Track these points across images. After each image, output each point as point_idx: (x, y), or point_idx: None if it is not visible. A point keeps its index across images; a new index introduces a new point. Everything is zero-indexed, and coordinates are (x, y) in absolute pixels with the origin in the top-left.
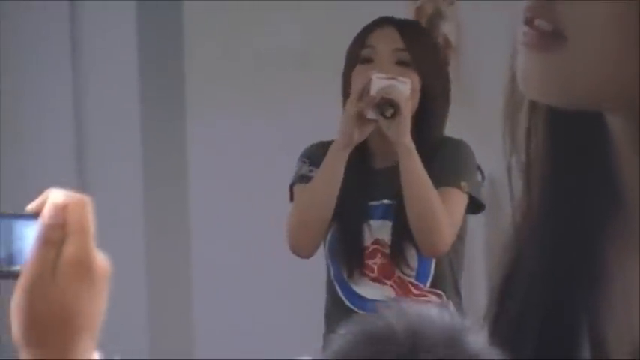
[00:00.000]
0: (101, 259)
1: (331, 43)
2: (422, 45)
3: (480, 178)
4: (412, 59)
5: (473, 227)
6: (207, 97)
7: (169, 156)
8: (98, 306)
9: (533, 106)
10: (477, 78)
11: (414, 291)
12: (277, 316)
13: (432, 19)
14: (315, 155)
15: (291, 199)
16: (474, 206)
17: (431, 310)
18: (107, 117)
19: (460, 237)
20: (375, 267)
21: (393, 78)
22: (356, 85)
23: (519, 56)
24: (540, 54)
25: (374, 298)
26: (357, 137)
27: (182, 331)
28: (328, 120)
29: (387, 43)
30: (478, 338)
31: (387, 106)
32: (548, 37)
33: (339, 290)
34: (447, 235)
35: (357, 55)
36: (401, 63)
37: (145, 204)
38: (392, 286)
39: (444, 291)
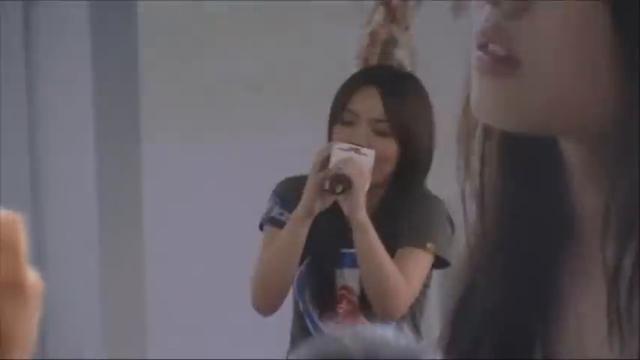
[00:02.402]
0: (33, 278)
1: (283, 70)
2: (406, 113)
3: (450, 232)
4: (392, 130)
5: None
6: (162, 122)
7: (124, 181)
8: (31, 325)
9: (487, 131)
10: (432, 103)
11: None
12: (236, 330)
13: (386, 45)
14: (288, 196)
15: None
16: (442, 262)
17: (386, 333)
18: (61, 142)
19: (425, 286)
20: (341, 312)
21: (355, 149)
22: (317, 156)
23: (473, 81)
24: (494, 79)
25: None
26: (319, 207)
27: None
28: (281, 146)
29: (367, 111)
30: None
31: (337, 182)
32: (502, 61)
33: (307, 322)
34: (401, 303)
35: (338, 115)
36: (379, 132)
37: (99, 229)
38: None
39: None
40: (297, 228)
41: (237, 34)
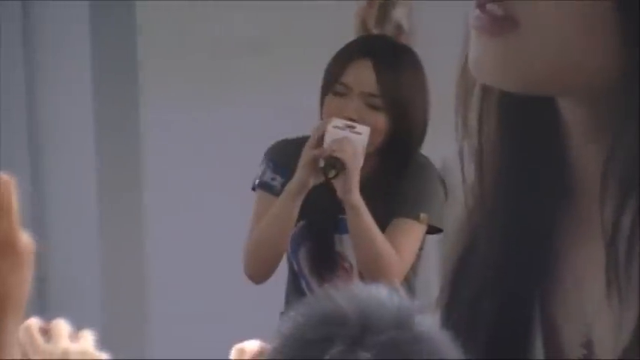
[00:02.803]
0: (25, 240)
1: (286, 30)
2: (399, 87)
3: (442, 200)
4: (384, 106)
5: None
6: (161, 86)
7: (123, 146)
8: (23, 285)
9: (485, 90)
10: (431, 63)
11: None
12: (235, 315)
13: (384, 5)
14: (281, 160)
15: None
16: (436, 228)
17: (380, 292)
18: (60, 108)
19: (419, 247)
20: (336, 278)
21: (350, 127)
22: (313, 132)
23: (471, 40)
24: (492, 38)
25: None
26: (313, 182)
27: (136, 331)
28: (284, 108)
29: (360, 85)
30: (427, 320)
31: (330, 166)
32: (500, 21)
33: (302, 283)
34: (394, 277)
35: (331, 86)
36: (371, 106)
37: (98, 194)
38: None
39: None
40: (291, 201)
41: None
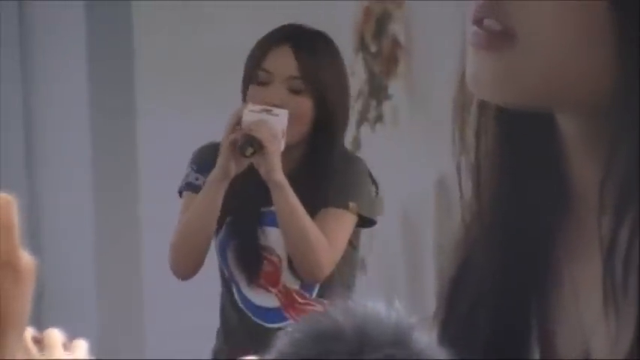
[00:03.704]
0: (27, 259)
1: None
2: (319, 69)
3: (374, 191)
4: (307, 87)
5: (422, 227)
6: (157, 93)
7: (119, 153)
8: (25, 304)
9: (483, 105)
10: (427, 78)
11: (299, 300)
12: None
13: (381, 20)
14: (203, 161)
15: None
16: (367, 221)
17: (378, 309)
18: (56, 115)
19: (352, 245)
20: (261, 274)
21: (266, 110)
22: (229, 118)
23: (468, 56)
24: (489, 54)
25: (261, 304)
26: (235, 169)
27: (133, 334)
28: None
29: (281, 69)
30: (424, 336)
31: (247, 145)
32: (498, 36)
33: (233, 289)
34: (324, 264)
35: (253, 75)
36: (294, 90)
37: (95, 203)
38: (277, 294)
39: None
40: (213, 190)
41: (233, 5)
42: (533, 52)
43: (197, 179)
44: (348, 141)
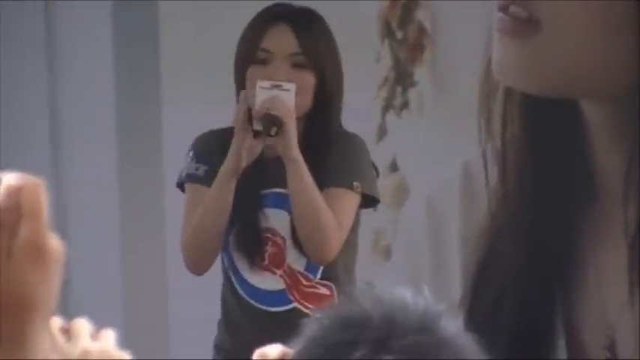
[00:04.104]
0: (55, 243)
1: None
2: (318, 45)
3: (374, 173)
4: (308, 62)
5: (448, 213)
6: (183, 83)
7: (144, 143)
8: (52, 289)
9: (509, 93)
10: (453, 64)
11: (304, 282)
12: None
13: (407, 6)
14: (202, 149)
15: (182, 189)
16: (370, 200)
17: (405, 296)
18: (82, 105)
19: (353, 229)
20: (266, 255)
21: (277, 86)
22: (238, 106)
23: (494, 43)
24: (515, 40)
25: (264, 287)
26: (246, 160)
27: (157, 317)
28: None
29: (282, 47)
30: (452, 323)
31: (271, 125)
32: (523, 23)
33: (232, 277)
34: (334, 244)
35: (251, 56)
36: (296, 65)
37: (120, 192)
38: (281, 276)
39: (335, 282)
40: (225, 184)
41: None
42: (558, 40)
43: (197, 169)
44: (373, 128)
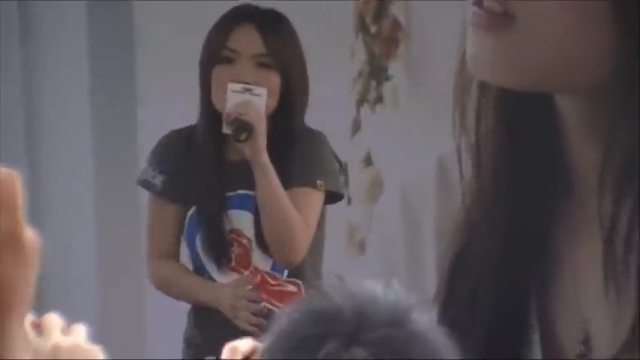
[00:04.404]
0: (31, 235)
1: None
2: (284, 46)
3: (337, 167)
4: (273, 62)
5: (422, 208)
6: (158, 81)
7: (120, 140)
8: (28, 281)
9: (483, 87)
10: (427, 59)
11: (271, 281)
12: None
13: (381, 1)
14: (161, 154)
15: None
16: (334, 196)
17: (376, 289)
18: (57, 102)
19: (318, 225)
20: (233, 256)
21: (248, 90)
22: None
23: (468, 37)
24: (490, 34)
25: None
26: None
27: (135, 307)
28: None
29: (248, 47)
30: (423, 317)
31: (241, 130)
32: (498, 17)
33: (205, 276)
34: (302, 245)
35: (216, 56)
36: (262, 65)
37: (96, 190)
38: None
39: (302, 279)
40: (203, 300)
41: None
42: (533, 34)
43: (154, 177)
44: (348, 122)
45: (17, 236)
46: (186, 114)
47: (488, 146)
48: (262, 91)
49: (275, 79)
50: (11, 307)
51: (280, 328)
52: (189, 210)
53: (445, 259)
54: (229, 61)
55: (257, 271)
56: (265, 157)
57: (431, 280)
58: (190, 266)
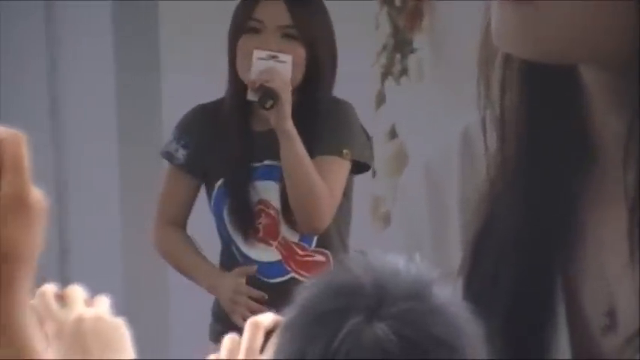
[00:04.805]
0: (37, 195)
1: None
2: (310, 19)
3: (364, 138)
4: (300, 35)
5: (447, 179)
6: (182, 50)
7: (144, 109)
8: (35, 241)
9: (507, 59)
10: (452, 31)
11: (299, 252)
12: None
13: None
14: (185, 128)
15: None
16: (361, 166)
17: (397, 263)
18: (81, 72)
19: (346, 195)
20: (261, 227)
21: (273, 57)
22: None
23: (493, 9)
24: (513, 6)
25: (261, 259)
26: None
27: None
28: None
29: (274, 19)
30: (445, 291)
31: (267, 97)
32: None
33: (232, 248)
34: (326, 213)
35: (243, 26)
36: (287, 36)
37: (120, 160)
38: (277, 247)
39: (330, 249)
40: (198, 281)
41: None
42: (556, 5)
43: (177, 151)
44: (372, 95)
45: (24, 198)
46: (211, 89)
47: (513, 119)
48: (288, 58)
49: (300, 51)
50: (19, 260)
51: (301, 302)
52: (209, 184)
53: (469, 232)
54: (255, 31)
55: (285, 241)
56: (290, 125)
57: (456, 253)
58: (220, 234)
